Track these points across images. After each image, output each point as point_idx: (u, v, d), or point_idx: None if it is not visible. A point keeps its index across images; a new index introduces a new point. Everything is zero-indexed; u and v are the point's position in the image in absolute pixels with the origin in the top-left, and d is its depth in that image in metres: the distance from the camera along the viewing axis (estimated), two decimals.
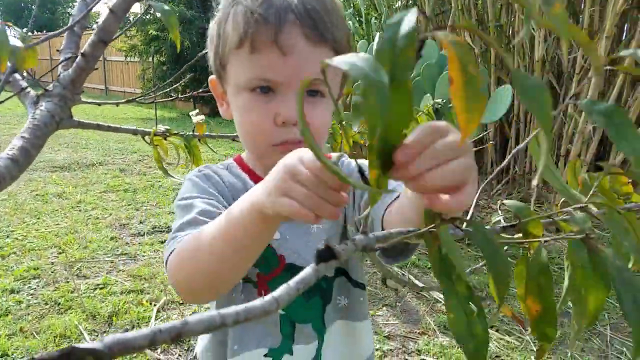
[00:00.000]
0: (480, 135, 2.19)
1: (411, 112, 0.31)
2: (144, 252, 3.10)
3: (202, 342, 0.88)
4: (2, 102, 0.94)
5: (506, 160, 0.62)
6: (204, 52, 0.95)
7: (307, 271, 0.34)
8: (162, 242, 3.24)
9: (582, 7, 3.62)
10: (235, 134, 1.42)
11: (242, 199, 0.59)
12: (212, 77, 0.81)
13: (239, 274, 0.65)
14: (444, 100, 3.10)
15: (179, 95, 1.38)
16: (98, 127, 1.16)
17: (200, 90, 1.32)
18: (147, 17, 10.02)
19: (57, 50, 1.21)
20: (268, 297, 0.31)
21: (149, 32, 9.73)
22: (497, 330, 2.25)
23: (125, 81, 13.42)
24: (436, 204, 0.40)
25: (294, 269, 0.81)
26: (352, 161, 0.86)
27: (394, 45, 0.31)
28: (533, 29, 3.62)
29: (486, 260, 0.39)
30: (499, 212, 0.58)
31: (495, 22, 4.02)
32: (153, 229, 3.50)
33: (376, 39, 3.49)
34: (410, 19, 0.32)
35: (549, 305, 0.42)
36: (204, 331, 0.29)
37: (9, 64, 1.11)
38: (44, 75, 1.07)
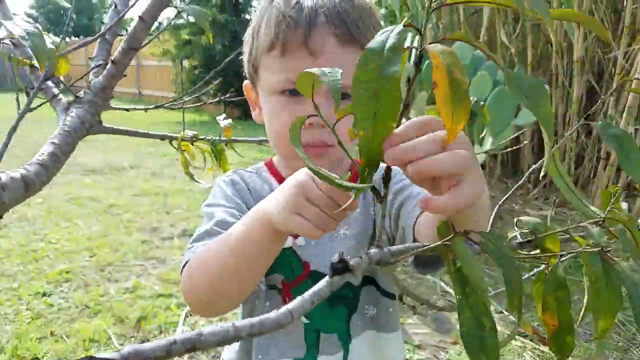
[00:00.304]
0: (516, 135, 2.14)
1: (397, 106, 0.34)
2: (174, 255, 3.11)
3: (228, 350, 0.87)
4: (36, 108, 0.93)
5: (538, 163, 0.61)
6: (233, 54, 0.94)
7: (321, 284, 0.34)
8: None
9: (624, 4, 3.50)
10: (262, 138, 1.41)
11: (253, 211, 0.59)
12: (246, 82, 0.81)
13: (246, 287, 0.65)
14: (476, 100, 3.05)
15: (209, 100, 1.36)
16: (127, 132, 1.15)
17: (228, 95, 1.31)
18: (180, 21, 10.17)
19: (90, 58, 1.21)
20: (282, 310, 0.31)
21: (182, 37, 9.86)
22: (531, 340, 2.18)
23: (158, 85, 13.62)
24: (431, 205, 0.40)
25: (318, 276, 0.79)
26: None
27: (384, 45, 0.35)
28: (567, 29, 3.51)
29: (501, 269, 0.39)
30: (515, 228, 0.58)
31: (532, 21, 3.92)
32: (183, 232, 3.51)
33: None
34: (398, 29, 0.36)
35: (567, 319, 0.42)
36: (219, 343, 0.29)
37: (40, 71, 1.10)
38: (77, 80, 1.06)
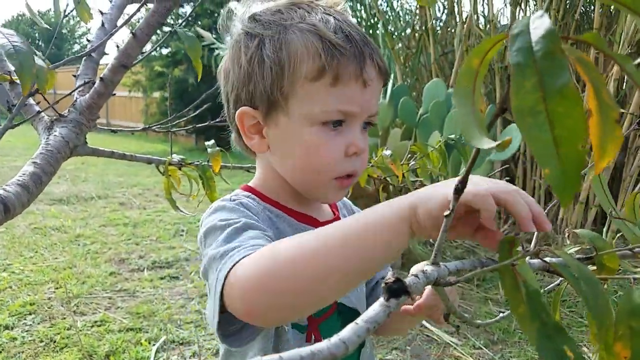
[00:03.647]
0: (488, 174, 2.19)
1: (581, 122, 0.27)
2: (144, 288, 3.01)
3: None
4: (17, 125, 0.89)
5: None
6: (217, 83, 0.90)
7: (376, 308, 0.30)
8: (162, 278, 3.16)
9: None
10: (250, 165, 1.39)
11: (386, 209, 0.53)
12: (244, 109, 0.74)
13: (342, 290, 0.58)
14: (457, 136, 3.09)
15: (194, 126, 1.34)
16: (112, 154, 1.11)
17: (217, 120, 1.28)
18: (153, 53, 10.15)
19: (74, 76, 1.17)
20: (334, 340, 0.28)
21: (154, 68, 9.83)
22: None
23: (127, 115, 13.48)
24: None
25: (346, 310, 0.76)
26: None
27: (532, 55, 0.28)
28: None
29: (583, 297, 0.35)
30: (567, 240, 0.57)
31: (500, 64, 4.04)
32: (153, 264, 3.41)
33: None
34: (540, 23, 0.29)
35: None
36: None
37: (24, 93, 1.06)
38: (59, 100, 1.02)
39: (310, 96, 0.70)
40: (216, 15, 10.11)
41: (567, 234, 0.55)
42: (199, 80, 1.06)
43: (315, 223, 0.78)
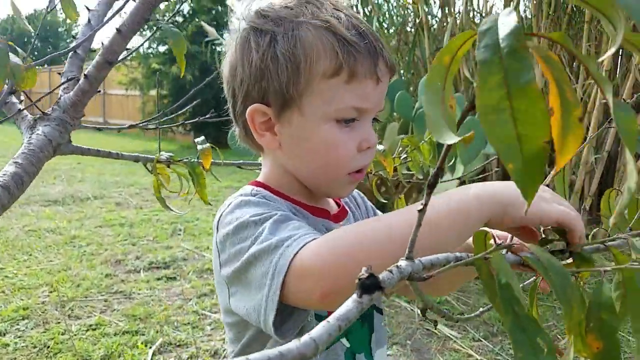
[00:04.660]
0: (483, 165, 2.18)
1: (544, 118, 0.28)
2: (140, 289, 2.96)
3: None
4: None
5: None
6: (211, 76, 0.87)
7: (348, 305, 0.30)
8: (159, 279, 3.11)
9: None
10: (240, 162, 1.34)
11: (475, 192, 0.59)
12: (256, 106, 0.73)
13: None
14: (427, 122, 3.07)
15: (180, 129, 1.29)
16: (98, 153, 1.06)
17: (208, 116, 1.23)
18: (150, 50, 10.10)
19: (59, 74, 1.12)
20: (305, 338, 0.27)
21: (151, 66, 9.77)
22: None
23: (124, 114, 13.41)
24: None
25: None
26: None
27: (498, 51, 0.28)
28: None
29: (555, 290, 0.37)
30: (541, 233, 0.59)
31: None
32: (150, 265, 3.36)
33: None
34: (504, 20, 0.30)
35: (613, 343, 0.40)
36: None
37: (6, 85, 1.01)
38: (41, 97, 0.97)
39: (325, 93, 0.70)
40: (214, 12, 10.07)
41: (542, 229, 0.55)
42: (182, 76, 1.02)
43: (329, 216, 0.80)
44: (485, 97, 0.27)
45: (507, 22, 0.28)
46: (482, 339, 2.37)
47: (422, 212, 0.36)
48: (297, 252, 0.58)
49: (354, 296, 0.31)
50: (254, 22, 0.72)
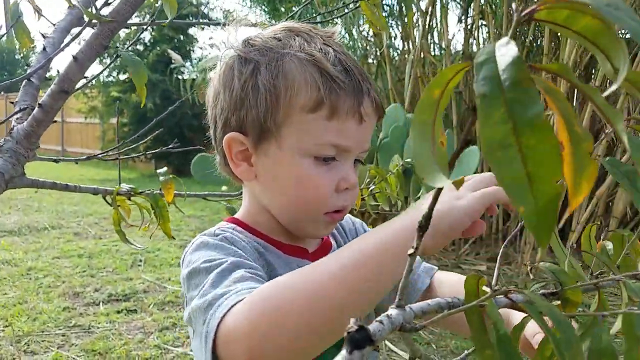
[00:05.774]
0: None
1: (556, 156, 0.26)
2: (99, 323, 2.86)
3: None
4: None
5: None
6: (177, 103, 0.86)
7: None
8: (119, 312, 3.02)
9: None
10: (205, 193, 1.32)
11: (387, 232, 0.58)
12: (233, 134, 0.71)
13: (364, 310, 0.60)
14: (414, 160, 3.10)
15: (146, 152, 1.27)
16: (54, 186, 1.03)
17: (171, 146, 1.22)
18: (110, 78, 9.98)
19: (11, 103, 1.09)
20: None
21: (111, 94, 9.65)
22: None
23: (84, 142, 13.14)
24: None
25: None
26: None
27: (499, 83, 0.26)
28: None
29: (554, 343, 0.33)
30: (530, 274, 0.55)
31: (455, 89, 4.10)
32: (109, 297, 3.26)
33: None
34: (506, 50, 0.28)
35: None
36: None
37: None
38: None
39: (304, 128, 0.69)
40: (175, 40, 10.05)
41: (529, 268, 0.52)
42: (142, 106, 1.00)
43: (305, 254, 0.77)
44: (489, 132, 0.25)
45: (506, 52, 0.26)
46: None
47: (413, 256, 0.34)
48: (225, 314, 0.56)
49: (343, 352, 0.28)
50: (241, 51, 0.72)
